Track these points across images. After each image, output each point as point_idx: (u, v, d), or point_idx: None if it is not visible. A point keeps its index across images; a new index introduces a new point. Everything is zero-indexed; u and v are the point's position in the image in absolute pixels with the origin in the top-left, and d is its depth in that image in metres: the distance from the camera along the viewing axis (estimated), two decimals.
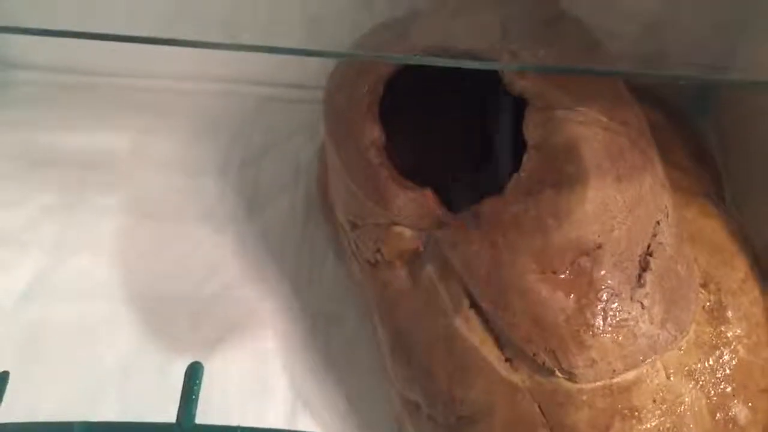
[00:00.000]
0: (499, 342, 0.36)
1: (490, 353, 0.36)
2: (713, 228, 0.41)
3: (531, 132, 0.36)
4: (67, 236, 0.50)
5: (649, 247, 0.36)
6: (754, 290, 0.39)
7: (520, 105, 0.38)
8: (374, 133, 0.39)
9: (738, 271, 0.39)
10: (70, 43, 0.56)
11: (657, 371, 0.35)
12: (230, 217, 0.52)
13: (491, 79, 0.39)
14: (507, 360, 0.36)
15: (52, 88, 0.57)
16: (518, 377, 0.35)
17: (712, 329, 0.37)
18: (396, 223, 0.39)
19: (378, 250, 0.40)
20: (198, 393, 0.30)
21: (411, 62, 0.36)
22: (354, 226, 0.41)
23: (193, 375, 0.30)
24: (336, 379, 0.45)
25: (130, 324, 0.47)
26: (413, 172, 0.40)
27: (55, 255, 0.50)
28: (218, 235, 0.51)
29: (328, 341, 0.47)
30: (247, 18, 0.49)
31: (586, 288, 0.35)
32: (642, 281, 0.35)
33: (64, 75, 0.57)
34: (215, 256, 0.50)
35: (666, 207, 0.38)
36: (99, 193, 0.53)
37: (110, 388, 0.44)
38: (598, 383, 0.35)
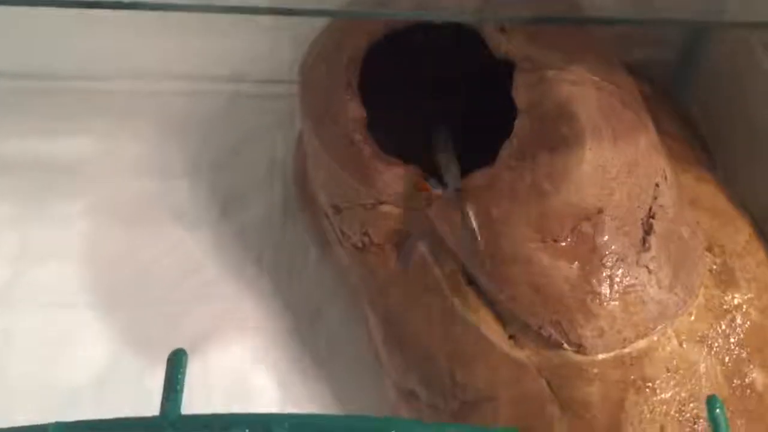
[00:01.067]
0: (501, 318, 0.34)
1: (492, 331, 0.34)
2: (711, 192, 0.40)
3: (521, 95, 0.35)
4: (31, 245, 0.48)
5: (650, 209, 0.35)
6: (759, 252, 0.38)
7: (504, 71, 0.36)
8: (355, 109, 0.37)
9: (741, 233, 0.38)
10: (26, 48, 0.54)
11: (669, 339, 0.34)
12: (204, 218, 0.50)
13: (475, 48, 0.37)
14: (511, 337, 0.34)
15: (8, 94, 0.54)
16: (523, 354, 0.33)
17: (720, 293, 0.36)
18: (382, 202, 0.37)
19: (365, 233, 0.38)
20: (183, 382, 0.27)
21: (393, 17, 0.34)
22: (338, 210, 0.39)
23: (177, 363, 0.27)
24: (323, 375, 0.43)
25: (103, 332, 0.44)
26: (396, 149, 0.38)
27: (20, 265, 0.47)
28: (192, 236, 0.49)
29: (313, 337, 0.45)
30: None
31: (589, 254, 0.33)
32: (647, 245, 0.34)
33: (21, 81, 0.54)
34: (190, 258, 0.47)
35: (663, 169, 0.36)
36: (63, 200, 0.50)
37: (85, 400, 0.42)
38: (608, 354, 0.33)
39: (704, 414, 0.32)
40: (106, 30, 0.51)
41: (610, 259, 0.33)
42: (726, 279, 0.36)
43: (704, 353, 0.34)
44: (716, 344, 0.34)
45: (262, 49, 0.54)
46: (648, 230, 0.34)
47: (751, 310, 0.35)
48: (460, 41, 0.38)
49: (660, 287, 0.33)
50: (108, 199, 0.50)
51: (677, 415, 0.33)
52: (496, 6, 0.36)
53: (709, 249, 0.37)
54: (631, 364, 0.33)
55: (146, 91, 0.55)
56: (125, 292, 0.46)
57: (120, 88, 0.55)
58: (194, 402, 0.39)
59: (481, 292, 0.34)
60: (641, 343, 0.33)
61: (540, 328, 0.33)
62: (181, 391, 0.28)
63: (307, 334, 0.45)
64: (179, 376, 0.28)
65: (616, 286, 0.33)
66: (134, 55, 0.53)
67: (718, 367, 0.34)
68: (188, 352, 0.42)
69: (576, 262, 0.33)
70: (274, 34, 0.52)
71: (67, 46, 0.52)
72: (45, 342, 0.44)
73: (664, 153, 0.37)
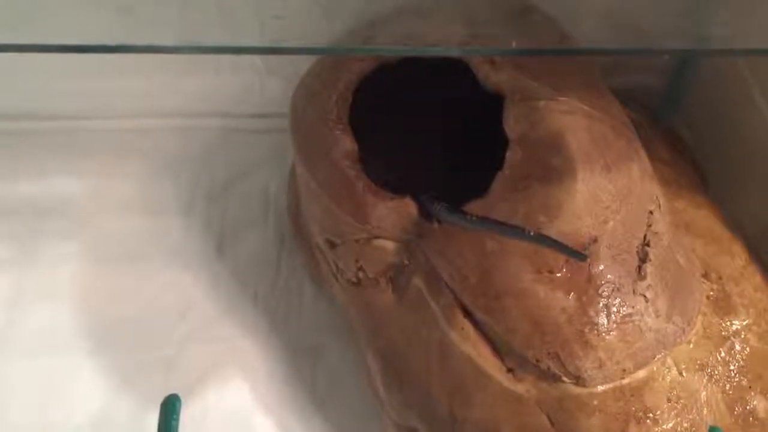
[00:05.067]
0: (499, 352, 0.34)
1: (490, 365, 0.34)
2: (705, 217, 0.40)
3: (512, 126, 0.35)
4: (24, 289, 0.47)
5: (645, 237, 0.34)
6: (755, 276, 0.37)
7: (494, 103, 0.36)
8: (347, 144, 0.37)
9: (737, 258, 0.38)
10: (15, 89, 0.54)
11: (668, 368, 0.33)
12: (199, 256, 0.49)
13: (464, 81, 0.37)
14: (509, 370, 0.33)
15: None
16: (522, 387, 0.33)
17: (718, 319, 0.35)
18: (376, 236, 0.37)
19: (360, 268, 0.38)
20: (177, 428, 0.27)
21: (380, 53, 0.34)
22: (332, 245, 0.39)
23: (170, 408, 0.27)
24: (323, 415, 0.43)
25: (98, 376, 0.44)
26: (389, 183, 0.38)
27: (13, 309, 0.46)
28: (187, 275, 0.48)
29: (312, 376, 0.44)
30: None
31: (585, 285, 0.33)
32: (642, 273, 0.33)
33: (10, 122, 0.54)
34: (185, 297, 0.47)
35: (657, 197, 0.36)
36: (56, 241, 0.49)
37: None
38: (608, 385, 0.32)
39: None
40: (94, 69, 0.51)
41: (606, 289, 0.33)
42: (723, 305, 0.36)
43: (705, 381, 0.34)
44: (716, 372, 0.34)
45: (252, 83, 0.54)
46: (643, 258, 0.34)
47: (750, 336, 0.35)
48: (453, 72, 0.38)
49: (657, 316, 0.33)
50: (100, 239, 0.50)
51: None
52: (483, 38, 0.36)
53: (706, 275, 0.36)
54: (632, 395, 0.32)
55: (136, 129, 0.55)
56: (120, 333, 0.45)
57: (110, 126, 0.55)
58: None
59: (478, 325, 0.34)
60: (641, 374, 0.33)
61: (538, 360, 0.32)
62: None
63: (306, 372, 0.44)
64: (173, 422, 0.27)
65: (613, 316, 0.32)
66: (123, 93, 0.54)
67: (719, 395, 0.34)
68: (185, 393, 0.42)
69: (572, 293, 0.32)
70: (264, 69, 0.53)
71: (54, 86, 0.52)
72: (39, 386, 0.43)
73: (657, 179, 0.37)
